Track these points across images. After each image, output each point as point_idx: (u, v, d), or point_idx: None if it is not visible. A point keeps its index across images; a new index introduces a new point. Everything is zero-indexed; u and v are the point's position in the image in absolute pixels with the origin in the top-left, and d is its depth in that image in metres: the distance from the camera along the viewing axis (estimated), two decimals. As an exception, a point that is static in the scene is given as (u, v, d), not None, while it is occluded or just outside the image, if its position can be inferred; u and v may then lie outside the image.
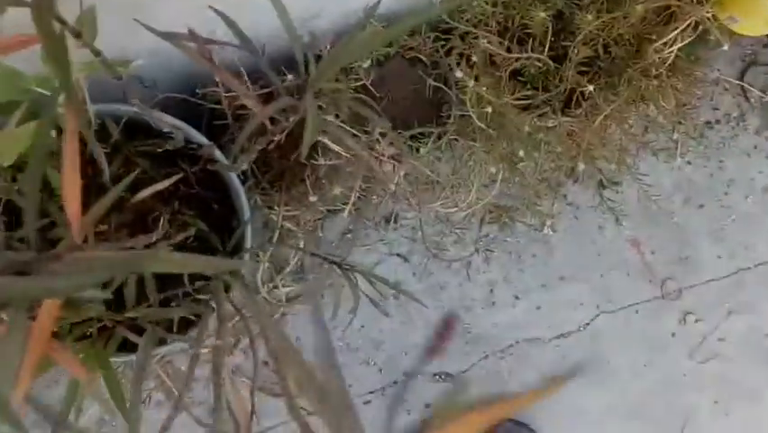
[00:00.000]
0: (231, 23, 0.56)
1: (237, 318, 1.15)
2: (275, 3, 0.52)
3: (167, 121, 0.79)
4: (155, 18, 0.86)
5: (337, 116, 1.03)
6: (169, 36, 0.55)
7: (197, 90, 1.04)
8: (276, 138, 0.68)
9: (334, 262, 0.83)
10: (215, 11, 0.57)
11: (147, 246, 0.86)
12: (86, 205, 0.95)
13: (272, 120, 1.00)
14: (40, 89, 0.68)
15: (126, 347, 0.88)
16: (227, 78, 0.57)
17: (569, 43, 1.09)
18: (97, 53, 0.59)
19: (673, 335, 1.34)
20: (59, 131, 0.82)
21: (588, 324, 1.32)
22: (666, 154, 1.32)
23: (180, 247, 0.95)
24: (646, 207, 1.32)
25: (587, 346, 1.31)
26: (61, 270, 0.39)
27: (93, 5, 0.71)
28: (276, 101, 0.57)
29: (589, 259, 1.33)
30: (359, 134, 1.01)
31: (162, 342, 0.92)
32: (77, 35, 0.53)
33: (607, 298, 1.33)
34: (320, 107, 0.89)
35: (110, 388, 0.76)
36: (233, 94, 0.99)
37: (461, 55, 1.06)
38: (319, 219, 1.18)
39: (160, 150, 0.92)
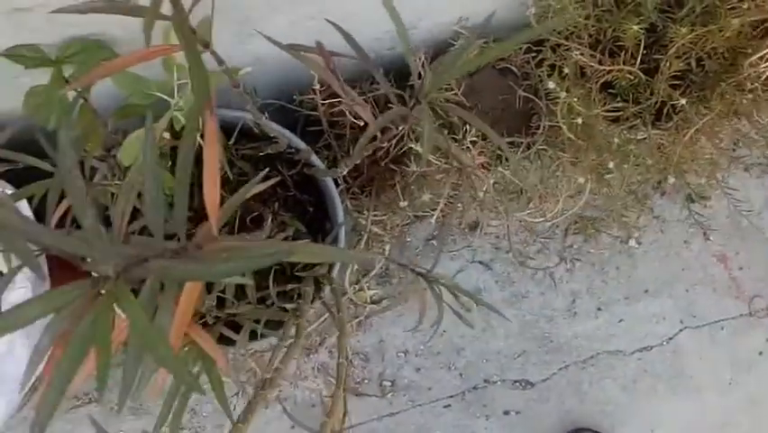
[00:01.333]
0: (347, 36, 0.59)
1: (324, 318, 1.19)
2: (393, 17, 0.55)
3: (271, 126, 0.84)
4: (263, 30, 0.91)
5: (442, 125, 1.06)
6: (291, 47, 0.58)
7: (295, 97, 1.08)
8: (384, 145, 0.71)
9: (420, 274, 0.85)
10: (333, 24, 0.60)
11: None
12: (188, 204, 1.00)
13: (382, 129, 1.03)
14: (160, 93, 0.73)
15: (222, 341, 0.92)
16: (345, 90, 0.60)
17: (661, 56, 1.09)
18: (221, 62, 0.64)
19: (761, 353, 1.31)
20: (173, 133, 0.87)
21: (671, 338, 1.31)
22: (759, 170, 1.30)
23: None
24: (735, 222, 1.31)
25: (669, 361, 1.30)
26: (206, 257, 0.42)
27: (208, 17, 0.76)
28: (389, 111, 0.60)
29: (674, 273, 1.32)
30: (450, 143, 1.03)
31: (253, 337, 0.96)
32: (206, 45, 0.57)
33: (691, 313, 1.31)
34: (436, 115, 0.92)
35: (210, 379, 0.80)
36: (331, 101, 1.03)
37: (552, 66, 1.07)
38: (406, 224, 1.20)
39: (261, 153, 0.96)
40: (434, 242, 1.27)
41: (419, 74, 0.59)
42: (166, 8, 0.51)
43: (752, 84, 1.10)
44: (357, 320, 1.26)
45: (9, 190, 0.93)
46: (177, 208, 0.43)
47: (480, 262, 1.30)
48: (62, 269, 0.95)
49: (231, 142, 1.00)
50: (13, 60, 0.77)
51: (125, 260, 0.37)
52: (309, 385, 1.23)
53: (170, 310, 0.43)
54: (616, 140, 1.06)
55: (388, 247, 1.21)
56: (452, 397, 1.28)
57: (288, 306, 0.94)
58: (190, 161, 0.44)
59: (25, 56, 0.77)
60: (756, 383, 1.30)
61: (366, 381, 1.26)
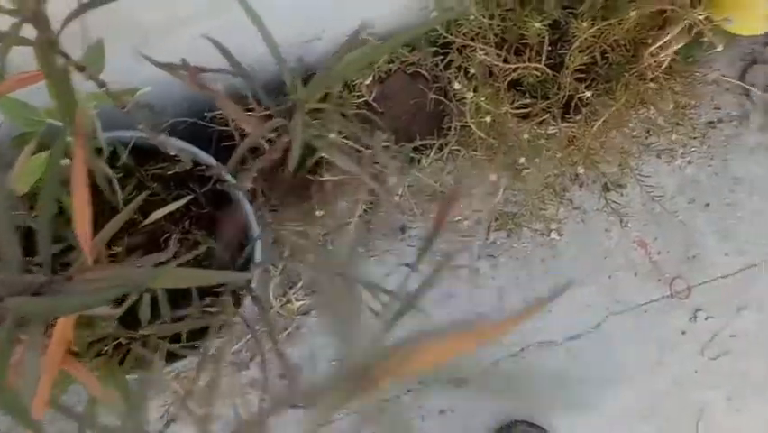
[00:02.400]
0: (223, 50, 0.58)
1: (250, 335, 1.18)
2: (260, 29, 0.55)
3: (172, 144, 0.83)
4: (162, 47, 0.90)
5: (341, 133, 1.06)
6: (165, 66, 0.58)
7: (206, 114, 1.07)
8: (273, 156, 0.70)
9: (339, 277, 0.85)
10: (210, 39, 0.60)
11: (158, 265, 0.89)
12: (101, 227, 0.98)
13: (271, 141, 1.03)
14: (51, 120, 0.72)
15: (144, 364, 0.91)
16: (224, 102, 0.60)
17: (566, 51, 1.12)
18: (102, 85, 0.62)
19: (684, 333, 1.35)
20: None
21: (598, 325, 1.34)
22: (669, 155, 1.33)
23: (193, 266, 0.99)
24: (652, 208, 1.34)
25: (598, 348, 1.33)
26: (74, 289, 0.42)
27: (101, 40, 0.74)
28: (268, 122, 0.60)
29: (597, 261, 1.35)
30: (362, 149, 1.03)
31: (177, 358, 0.95)
32: (81, 69, 0.56)
33: (615, 299, 1.34)
34: (320, 125, 0.92)
35: (126, 403, 0.79)
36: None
37: (459, 68, 1.08)
38: (328, 234, 1.20)
39: (169, 172, 0.95)
40: (360, 248, 1.27)
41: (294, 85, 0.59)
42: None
43: (654, 73, 1.13)
44: (286, 333, 1.25)
45: None
46: (40, 241, 0.42)
47: (407, 265, 1.31)
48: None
49: (142, 164, 0.99)
50: None
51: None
52: (243, 402, 1.22)
53: (38, 346, 0.42)
54: (526, 136, 1.08)
55: (312, 257, 1.21)
56: (387, 400, 1.28)
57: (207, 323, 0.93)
58: (53, 189, 0.43)
59: None
60: (680, 363, 1.33)
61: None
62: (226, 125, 1.07)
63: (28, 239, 0.92)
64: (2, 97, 0.65)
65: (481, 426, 1.30)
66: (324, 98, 1.08)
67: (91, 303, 0.37)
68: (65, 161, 0.81)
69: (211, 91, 0.56)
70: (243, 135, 1.06)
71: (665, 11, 1.13)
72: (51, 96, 0.62)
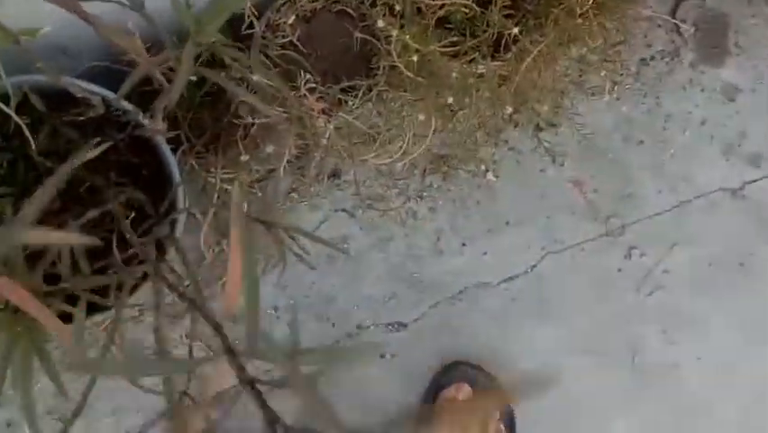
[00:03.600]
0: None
1: (187, 284, 1.16)
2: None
3: (81, 87, 0.79)
4: None
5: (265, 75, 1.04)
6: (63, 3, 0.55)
7: (122, 57, 1.03)
8: (172, 94, 0.68)
9: (263, 223, 0.84)
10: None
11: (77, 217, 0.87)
12: (18, 174, 0.95)
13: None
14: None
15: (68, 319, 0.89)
16: (104, 29, 0.57)
17: (494, -13, 1.10)
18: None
19: (620, 270, 1.37)
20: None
21: (535, 265, 1.35)
22: (601, 94, 1.33)
23: (112, 217, 0.96)
24: (586, 147, 1.35)
25: (535, 287, 1.34)
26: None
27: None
28: (160, 55, 0.57)
29: (533, 202, 1.35)
30: (287, 92, 1.01)
31: (102, 309, 0.93)
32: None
33: (552, 238, 1.35)
34: (241, 67, 0.89)
35: (43, 363, 0.77)
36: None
37: (385, 5, 1.06)
38: (259, 180, 1.18)
39: (82, 118, 0.92)
40: (294, 194, 1.25)
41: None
42: None
43: (582, 9, 1.12)
44: (222, 282, 1.23)
45: None
46: None
47: (344, 210, 1.29)
48: None
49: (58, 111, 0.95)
50: None
51: None
52: (178, 353, 1.20)
53: None
54: (454, 74, 1.06)
55: (245, 204, 1.19)
56: (327, 345, 1.28)
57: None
58: None
59: None
60: (616, 300, 1.35)
61: (236, 341, 1.24)
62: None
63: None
64: None
65: (423, 368, 1.31)
66: (247, 39, 1.05)
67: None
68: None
69: (96, 24, 0.54)
70: (165, 77, 1.03)
71: (593, -55, 1.12)
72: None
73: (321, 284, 1.29)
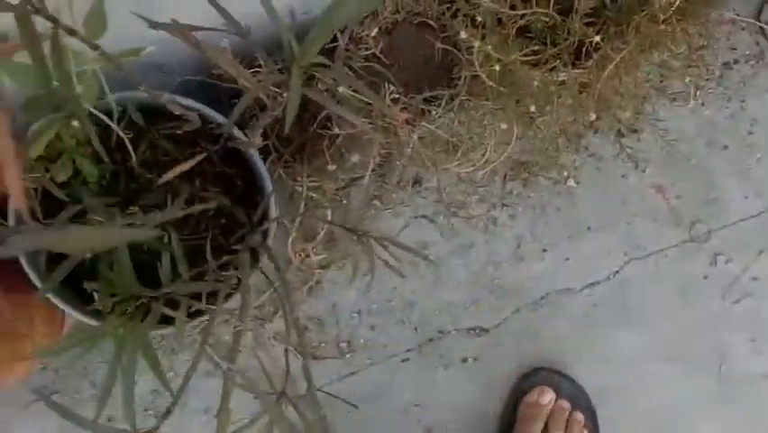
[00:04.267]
0: (219, 8, 0.59)
1: (274, 288, 1.21)
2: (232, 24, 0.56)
3: (179, 102, 0.84)
4: (165, 6, 0.91)
5: (350, 87, 1.07)
6: (160, 26, 0.59)
7: (213, 71, 1.09)
8: (274, 113, 0.72)
9: (352, 231, 0.87)
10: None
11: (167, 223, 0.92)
12: (118, 187, 1.00)
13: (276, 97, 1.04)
14: (58, 82, 0.73)
15: (167, 322, 0.94)
16: (219, 57, 0.61)
17: (574, -5, 1.11)
18: (95, 47, 0.64)
19: (705, 277, 1.35)
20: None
21: (617, 271, 1.34)
22: (684, 99, 1.32)
23: (210, 224, 1.01)
24: (669, 152, 1.33)
25: (618, 294, 1.34)
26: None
27: (101, 2, 0.76)
28: (266, 76, 0.61)
29: (615, 207, 1.34)
30: (372, 103, 1.04)
31: (200, 314, 0.97)
32: (72, 33, 0.57)
33: (635, 244, 1.34)
34: (327, 80, 0.93)
35: (149, 361, 0.82)
36: (251, 71, 1.03)
37: (466, 16, 1.08)
38: (344, 188, 1.22)
39: (179, 132, 0.97)
40: (376, 201, 1.28)
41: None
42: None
43: (665, 15, 1.11)
44: (307, 286, 1.27)
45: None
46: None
47: (424, 217, 1.32)
48: None
49: (154, 124, 1.01)
50: None
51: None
52: (267, 354, 1.25)
53: None
54: (536, 83, 1.07)
55: (329, 212, 1.23)
56: (408, 351, 1.31)
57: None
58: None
59: None
60: (702, 307, 1.33)
61: (323, 344, 1.29)
62: (235, 82, 1.08)
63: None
64: (7, 62, 0.67)
65: (504, 374, 1.32)
66: (330, 53, 1.09)
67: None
68: (75, 123, 0.83)
69: (205, 50, 0.58)
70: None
71: (676, -50, 1.11)
72: (33, 63, 0.63)
73: (402, 289, 1.32)
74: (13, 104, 0.80)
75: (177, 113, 0.82)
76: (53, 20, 0.50)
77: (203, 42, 0.59)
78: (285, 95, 0.64)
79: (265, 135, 1.12)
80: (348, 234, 0.86)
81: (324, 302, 1.29)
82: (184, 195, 0.91)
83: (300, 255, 1.24)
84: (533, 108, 1.07)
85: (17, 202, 0.43)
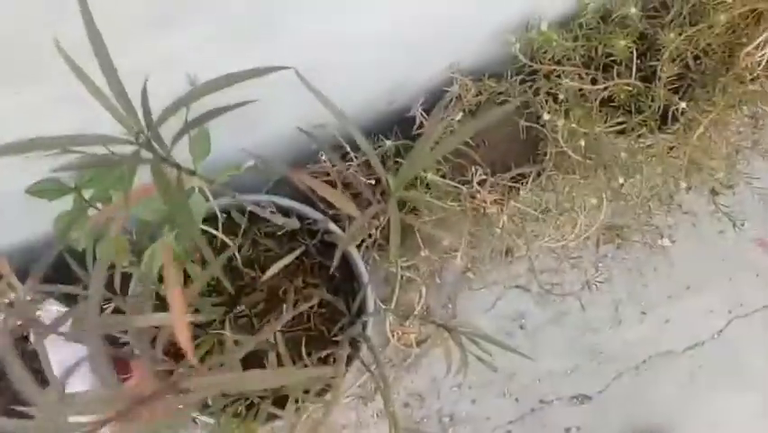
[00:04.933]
0: (334, 110, 0.61)
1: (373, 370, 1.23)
2: (336, 114, 0.59)
3: (278, 204, 0.89)
4: (269, 117, 0.96)
5: (438, 171, 1.10)
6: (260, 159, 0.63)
7: (308, 165, 1.13)
8: (371, 228, 0.74)
9: (442, 326, 0.89)
10: (318, 97, 0.63)
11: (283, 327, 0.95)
12: (219, 287, 1.05)
13: (374, 189, 1.08)
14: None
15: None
16: (322, 190, 0.64)
17: (656, 62, 1.10)
18: (211, 182, 0.68)
19: (815, 332, 1.30)
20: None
21: (721, 331, 1.31)
22: (780, 153, 1.29)
23: (310, 314, 1.05)
24: (766, 205, 1.30)
25: (723, 354, 1.30)
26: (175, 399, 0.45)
27: (206, 129, 0.81)
28: (366, 211, 0.64)
29: (714, 265, 1.32)
30: (459, 186, 1.06)
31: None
32: (192, 173, 0.62)
33: (738, 302, 1.31)
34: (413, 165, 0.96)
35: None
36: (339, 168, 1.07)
37: (548, 93, 1.09)
38: (435, 268, 1.24)
39: (280, 232, 1.01)
40: (469, 274, 1.29)
41: (385, 178, 0.62)
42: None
43: (751, 74, 1.10)
44: (407, 362, 1.29)
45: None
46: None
47: (518, 287, 1.32)
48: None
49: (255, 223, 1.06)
50: (38, 196, 0.84)
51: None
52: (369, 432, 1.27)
53: None
54: (623, 154, 1.07)
55: (423, 289, 1.25)
56: (511, 423, 1.30)
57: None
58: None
59: (47, 189, 0.84)
60: (815, 363, 1.29)
61: (425, 419, 1.30)
62: (328, 175, 1.12)
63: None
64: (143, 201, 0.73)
65: (609, 440, 1.30)
66: (415, 138, 1.12)
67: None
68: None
69: (311, 186, 0.61)
70: (345, 184, 1.11)
71: (758, 8, 1.10)
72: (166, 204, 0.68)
73: (501, 360, 1.31)
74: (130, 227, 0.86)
75: (279, 223, 0.86)
76: (177, 166, 0.54)
77: (306, 178, 0.62)
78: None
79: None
80: (439, 331, 0.88)
81: (424, 378, 1.30)
82: (291, 297, 0.95)
83: (398, 334, 1.26)
84: (621, 181, 1.07)
85: (186, 348, 0.47)
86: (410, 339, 1.26)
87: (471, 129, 0.61)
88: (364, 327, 1.00)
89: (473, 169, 1.08)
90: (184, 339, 0.46)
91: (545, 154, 1.12)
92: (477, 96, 1.14)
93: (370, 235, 1.17)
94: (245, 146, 1.02)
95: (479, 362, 1.29)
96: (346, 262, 1.07)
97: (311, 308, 1.04)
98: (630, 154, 1.09)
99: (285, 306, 0.96)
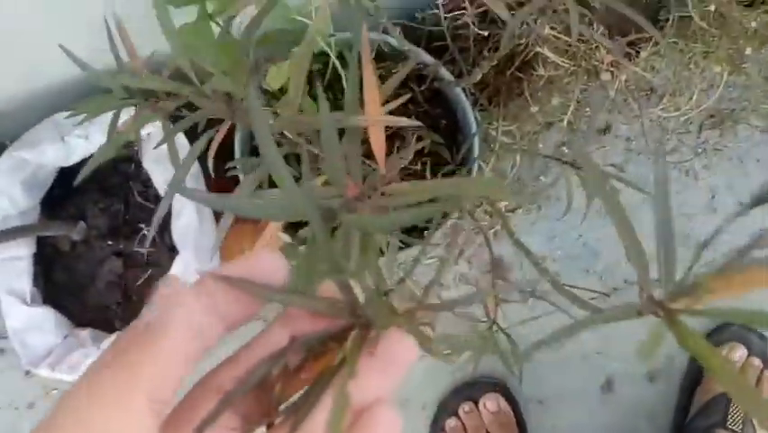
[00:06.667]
0: None
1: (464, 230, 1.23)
2: None
3: (406, 44, 0.87)
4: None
5: (553, 28, 1.06)
6: None
7: (417, 15, 1.10)
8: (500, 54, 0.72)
9: (567, 162, 0.87)
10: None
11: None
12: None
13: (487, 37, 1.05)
14: (300, 18, 0.77)
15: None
16: None
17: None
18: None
19: None
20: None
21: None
22: None
23: (415, 160, 1.04)
24: None
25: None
26: (386, 203, 0.42)
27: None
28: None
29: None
30: (577, 44, 1.03)
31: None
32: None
33: None
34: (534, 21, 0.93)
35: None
36: (453, 14, 1.04)
37: (679, -45, 1.04)
38: (536, 133, 1.21)
39: (392, 71, 1.00)
40: (565, 148, 1.27)
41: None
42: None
43: None
44: (493, 230, 1.29)
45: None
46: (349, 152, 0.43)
47: (613, 165, 1.29)
48: (219, 189, 1.03)
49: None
50: (165, 2, 0.83)
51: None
52: (450, 294, 1.28)
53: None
54: (753, 24, 1.02)
55: (518, 156, 1.23)
56: (593, 299, 1.30)
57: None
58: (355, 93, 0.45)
59: (172, -2, 0.83)
60: None
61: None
62: (436, 25, 1.09)
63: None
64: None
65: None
66: None
67: (411, 220, 0.38)
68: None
69: None
70: (455, 35, 1.08)
71: None
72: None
73: (587, 237, 1.30)
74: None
75: (404, 50, 0.84)
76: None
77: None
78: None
79: (460, 74, 1.13)
80: (560, 164, 0.86)
81: (508, 248, 1.30)
82: (409, 137, 0.94)
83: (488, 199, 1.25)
84: (748, 51, 1.02)
85: (379, 155, 0.44)
86: (500, 207, 1.25)
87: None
88: (469, 173, 0.99)
89: (594, 26, 1.04)
90: (379, 144, 0.44)
91: (667, 20, 1.07)
92: (601, -47, 1.08)
93: (472, 93, 1.15)
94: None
95: (567, 234, 1.29)
96: (451, 114, 1.06)
97: (416, 153, 1.03)
98: (760, 26, 1.04)
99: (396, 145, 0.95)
